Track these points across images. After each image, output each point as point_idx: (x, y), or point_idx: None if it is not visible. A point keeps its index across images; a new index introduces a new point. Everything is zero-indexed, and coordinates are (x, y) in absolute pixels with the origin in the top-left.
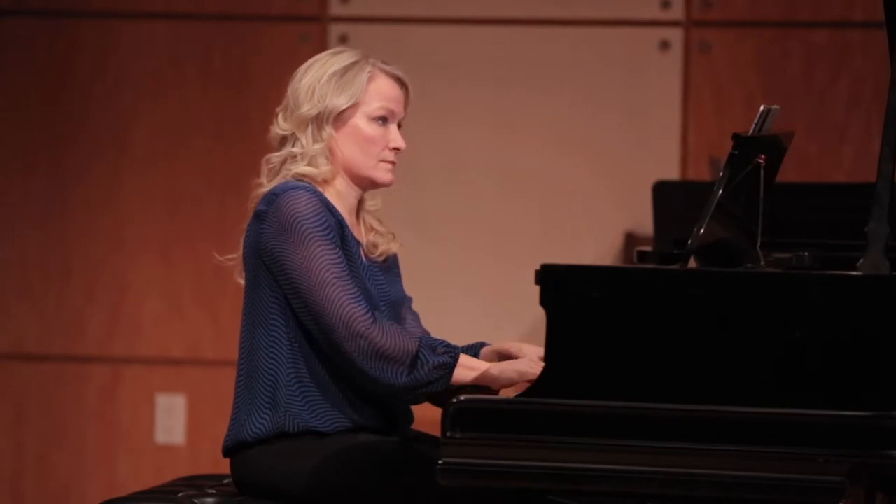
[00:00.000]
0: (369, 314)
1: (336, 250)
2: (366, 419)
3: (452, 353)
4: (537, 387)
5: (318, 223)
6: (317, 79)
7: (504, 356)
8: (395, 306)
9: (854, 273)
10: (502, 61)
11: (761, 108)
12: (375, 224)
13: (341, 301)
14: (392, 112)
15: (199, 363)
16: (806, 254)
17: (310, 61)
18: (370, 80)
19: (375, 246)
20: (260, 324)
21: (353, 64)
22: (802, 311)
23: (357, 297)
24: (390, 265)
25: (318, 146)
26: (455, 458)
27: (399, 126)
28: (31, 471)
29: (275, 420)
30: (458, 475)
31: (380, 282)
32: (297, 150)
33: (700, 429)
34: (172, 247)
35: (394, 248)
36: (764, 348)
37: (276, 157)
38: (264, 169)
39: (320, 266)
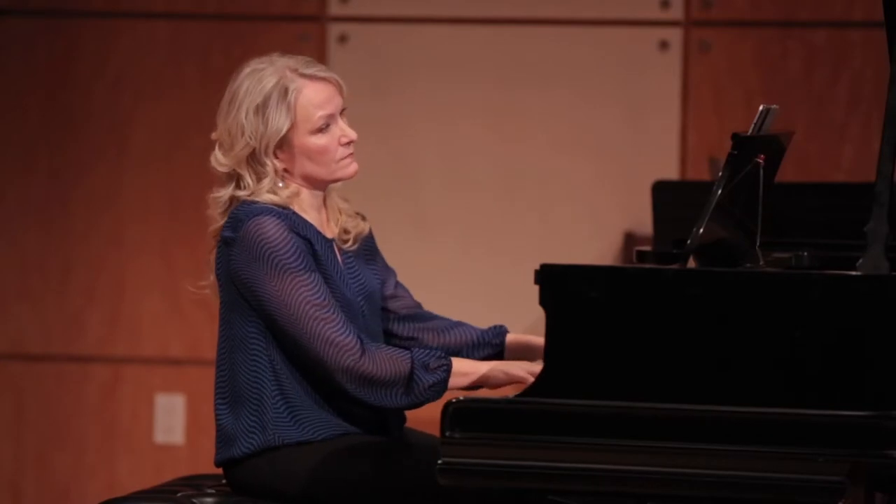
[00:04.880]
0: (357, 344)
1: (311, 276)
2: (358, 423)
3: (445, 366)
4: (536, 386)
5: (289, 252)
6: (243, 114)
7: (527, 346)
8: (373, 297)
9: (854, 273)
10: (502, 61)
11: (760, 107)
12: (342, 204)
13: (326, 335)
14: (332, 115)
15: (198, 363)
16: (805, 254)
17: (230, 91)
18: (297, 96)
19: (347, 232)
20: (239, 348)
21: (274, 87)
22: (802, 311)
23: (341, 326)
24: (361, 251)
25: (265, 182)
26: (454, 457)
27: (343, 115)
28: (31, 471)
29: (265, 440)
30: (458, 475)
31: (357, 276)
32: (242, 193)
33: (699, 429)
34: (172, 247)
35: (364, 228)
36: (763, 348)
37: (223, 197)
38: (213, 209)
39: (299, 300)
